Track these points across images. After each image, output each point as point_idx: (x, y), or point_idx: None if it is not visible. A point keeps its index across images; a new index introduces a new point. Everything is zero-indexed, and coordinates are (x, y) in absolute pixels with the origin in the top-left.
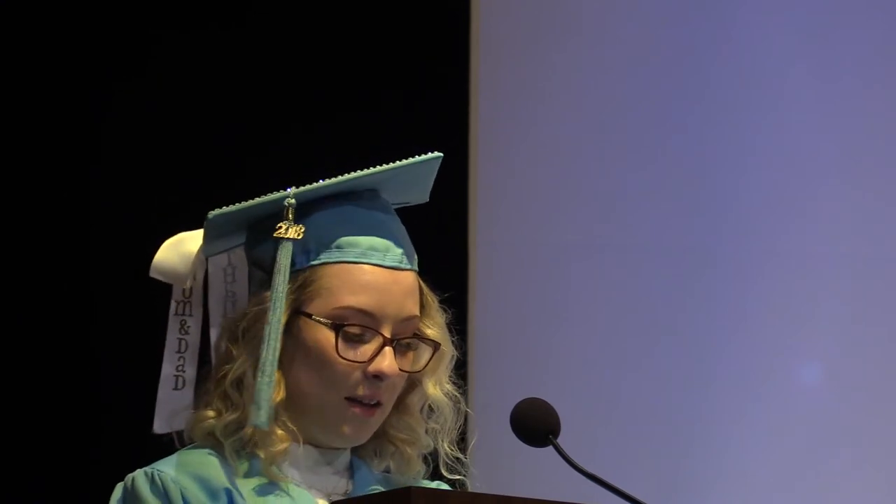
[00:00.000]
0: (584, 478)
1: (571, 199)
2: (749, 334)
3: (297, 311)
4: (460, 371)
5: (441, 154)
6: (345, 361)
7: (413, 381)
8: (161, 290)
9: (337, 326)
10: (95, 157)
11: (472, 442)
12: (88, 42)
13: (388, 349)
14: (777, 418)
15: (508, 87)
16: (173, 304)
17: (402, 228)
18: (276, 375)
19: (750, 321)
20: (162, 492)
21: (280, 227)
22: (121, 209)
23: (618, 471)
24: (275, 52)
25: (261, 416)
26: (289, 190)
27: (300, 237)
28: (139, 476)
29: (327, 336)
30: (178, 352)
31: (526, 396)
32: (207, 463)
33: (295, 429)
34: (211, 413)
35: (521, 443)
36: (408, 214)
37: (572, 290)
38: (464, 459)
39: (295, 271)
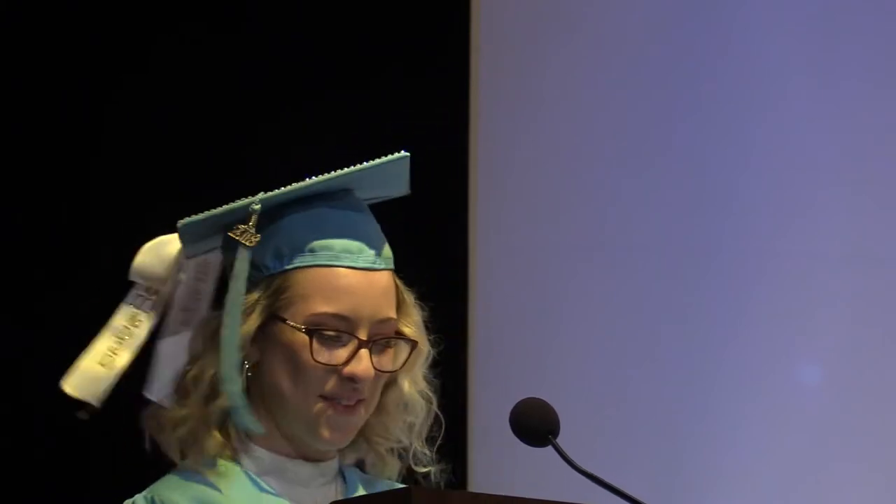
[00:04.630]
0: (583, 478)
1: (571, 199)
2: (749, 334)
3: (273, 316)
4: (460, 371)
5: (408, 154)
6: (320, 365)
7: (390, 379)
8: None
9: (311, 331)
10: (95, 156)
11: (471, 441)
12: (88, 41)
13: (363, 351)
14: (777, 418)
15: (508, 87)
16: (132, 294)
17: (377, 227)
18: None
19: (750, 321)
20: None
21: (236, 229)
22: (120, 209)
23: (617, 471)
24: (275, 51)
25: (247, 421)
26: (257, 196)
27: (252, 245)
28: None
29: (303, 340)
30: (118, 336)
31: (526, 396)
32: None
33: (278, 437)
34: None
35: (521, 443)
36: (407, 215)
37: (572, 290)
38: (432, 457)
39: (271, 276)
